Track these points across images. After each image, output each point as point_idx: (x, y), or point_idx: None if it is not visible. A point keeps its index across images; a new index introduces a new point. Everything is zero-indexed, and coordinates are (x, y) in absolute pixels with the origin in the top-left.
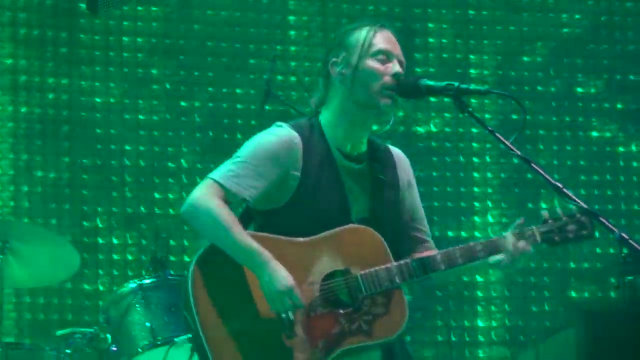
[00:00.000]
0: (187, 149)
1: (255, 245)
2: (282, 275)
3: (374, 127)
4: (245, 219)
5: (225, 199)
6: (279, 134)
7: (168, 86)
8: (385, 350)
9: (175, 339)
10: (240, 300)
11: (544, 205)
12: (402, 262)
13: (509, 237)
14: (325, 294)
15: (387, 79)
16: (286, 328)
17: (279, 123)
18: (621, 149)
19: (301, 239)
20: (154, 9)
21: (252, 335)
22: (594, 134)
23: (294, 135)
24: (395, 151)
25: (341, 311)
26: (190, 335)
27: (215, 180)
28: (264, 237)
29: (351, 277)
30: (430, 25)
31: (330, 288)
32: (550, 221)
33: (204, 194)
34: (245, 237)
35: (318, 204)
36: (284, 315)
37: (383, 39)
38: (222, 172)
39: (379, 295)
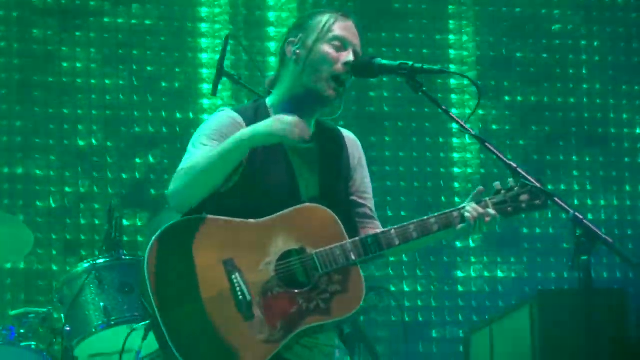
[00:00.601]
0: (140, 128)
1: (229, 139)
2: (276, 117)
3: (318, 115)
4: (197, 206)
5: None
6: (223, 116)
7: (136, 67)
8: (341, 330)
9: (134, 325)
10: (196, 282)
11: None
12: (356, 238)
13: (467, 208)
14: (282, 274)
15: (339, 66)
16: (243, 309)
17: (221, 108)
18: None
19: (255, 220)
20: None
21: (210, 316)
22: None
23: (237, 116)
24: (346, 132)
25: (298, 291)
26: (148, 321)
27: (179, 169)
28: (218, 220)
29: (307, 256)
30: (409, 5)
31: (287, 268)
32: (502, 192)
33: (175, 181)
34: (217, 148)
35: (267, 184)
36: (240, 297)
37: (342, 27)
38: (183, 162)
39: (336, 273)
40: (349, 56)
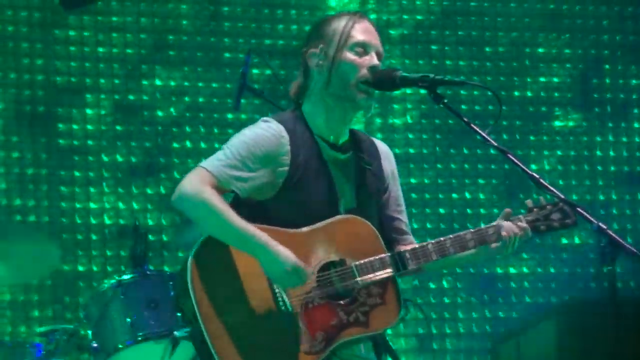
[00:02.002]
0: (164, 142)
1: (251, 228)
2: (285, 254)
3: (353, 121)
4: (237, 213)
5: (217, 187)
6: (267, 128)
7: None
8: (375, 343)
9: (175, 332)
10: (239, 292)
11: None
12: (395, 252)
13: (499, 224)
14: (322, 285)
15: (364, 72)
16: (285, 320)
17: (265, 118)
18: (587, 137)
19: (296, 230)
20: (127, 3)
21: (252, 327)
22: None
23: (281, 128)
24: (379, 143)
25: (338, 302)
26: (189, 329)
27: (205, 169)
28: (259, 228)
29: (347, 268)
30: (405, 17)
31: (327, 279)
32: (535, 210)
33: (195, 182)
34: (240, 221)
35: (307, 195)
36: (282, 307)
37: (361, 30)
38: (212, 161)
39: (374, 285)
40: (372, 60)
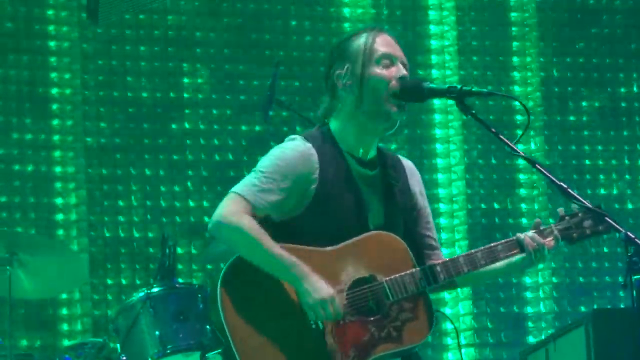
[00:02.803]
0: (193, 156)
1: (292, 258)
2: (322, 286)
3: (386, 134)
4: (264, 230)
5: (252, 214)
6: (295, 148)
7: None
8: (404, 357)
9: (208, 355)
10: (270, 310)
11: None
12: (425, 266)
13: (528, 235)
14: (353, 302)
15: (394, 83)
16: (317, 338)
17: (292, 136)
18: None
19: (325, 248)
20: (155, 17)
21: (284, 346)
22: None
23: (309, 146)
24: (406, 161)
25: (370, 318)
26: (220, 350)
27: (239, 195)
28: (291, 249)
29: (377, 284)
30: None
31: (358, 296)
32: (566, 218)
33: (231, 210)
34: (279, 250)
35: (336, 211)
36: (314, 326)
37: (384, 43)
38: (245, 186)
39: (405, 300)
40: (400, 71)
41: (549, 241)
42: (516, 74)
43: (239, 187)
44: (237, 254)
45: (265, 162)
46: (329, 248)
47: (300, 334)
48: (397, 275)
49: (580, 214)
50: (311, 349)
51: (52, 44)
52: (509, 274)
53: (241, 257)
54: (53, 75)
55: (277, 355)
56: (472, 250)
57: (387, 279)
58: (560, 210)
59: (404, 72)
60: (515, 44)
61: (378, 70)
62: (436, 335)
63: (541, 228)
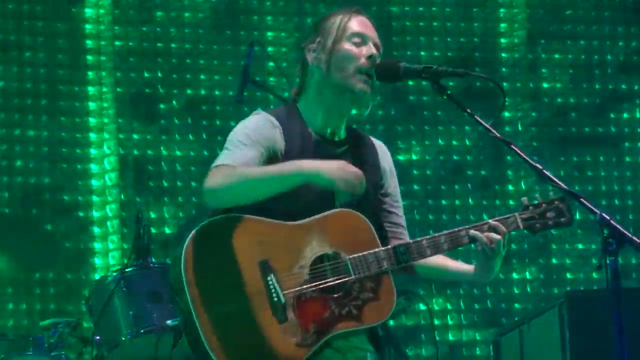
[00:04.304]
0: (166, 136)
1: (290, 161)
2: (337, 162)
3: (353, 112)
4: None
5: None
6: (259, 118)
7: (146, 74)
8: (370, 333)
9: (167, 321)
10: (231, 283)
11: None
12: (389, 246)
13: (472, 231)
14: (315, 279)
15: (363, 61)
16: (277, 311)
17: (256, 111)
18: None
19: (290, 223)
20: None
21: (244, 318)
22: None
23: (273, 119)
24: (376, 141)
25: (331, 295)
26: (179, 319)
27: (217, 165)
28: (255, 220)
29: (340, 261)
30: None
31: (320, 272)
32: (530, 207)
33: (215, 175)
34: (275, 166)
35: (301, 186)
36: (275, 299)
37: (358, 23)
38: (222, 157)
39: (368, 279)
40: (371, 50)
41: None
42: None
43: (215, 162)
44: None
45: (234, 134)
46: (293, 222)
47: (261, 307)
48: (360, 254)
49: (544, 205)
50: (272, 323)
51: None
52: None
53: (208, 225)
54: None
55: (237, 326)
56: (436, 234)
57: (351, 257)
58: (524, 200)
59: (373, 51)
60: None
61: (347, 47)
62: (410, 316)
63: (505, 216)
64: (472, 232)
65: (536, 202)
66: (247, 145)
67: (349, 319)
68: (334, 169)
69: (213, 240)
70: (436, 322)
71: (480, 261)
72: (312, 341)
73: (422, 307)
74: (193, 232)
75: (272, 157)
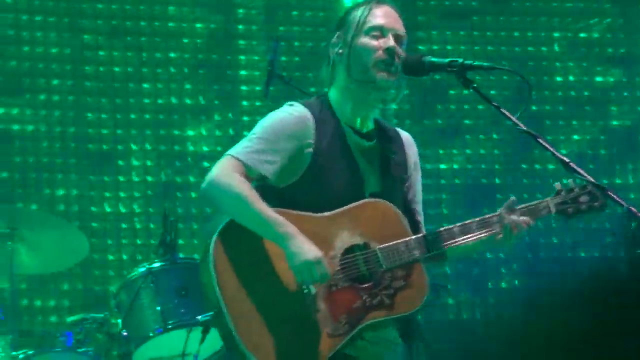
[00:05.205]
0: (194, 132)
1: (280, 218)
2: (309, 247)
3: (380, 105)
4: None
5: (245, 175)
6: (292, 111)
7: (172, 69)
8: (402, 327)
9: (198, 317)
10: (262, 275)
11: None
12: (420, 235)
13: (503, 213)
14: (346, 269)
15: (380, 53)
16: (309, 302)
17: (290, 102)
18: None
19: (320, 214)
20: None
21: (275, 310)
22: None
23: (306, 111)
24: (404, 133)
25: (362, 285)
26: (212, 313)
27: (233, 156)
28: (283, 212)
29: (371, 252)
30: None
31: (351, 263)
32: (562, 193)
33: (224, 170)
34: (268, 210)
35: (331, 178)
36: (306, 290)
37: (378, 15)
38: (239, 148)
39: (399, 269)
40: (388, 42)
41: (526, 220)
42: None
43: (232, 149)
44: (226, 213)
45: (260, 124)
46: (324, 214)
47: (292, 299)
48: (391, 244)
49: (576, 189)
50: (302, 314)
51: None
52: (485, 249)
53: (234, 221)
54: None
55: (268, 319)
56: (467, 221)
57: (381, 246)
58: (557, 185)
59: (392, 43)
60: None
61: (366, 40)
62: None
63: (536, 202)
64: (505, 216)
65: (568, 187)
66: (265, 144)
67: (381, 309)
68: (297, 261)
69: (242, 235)
70: (464, 316)
71: (501, 239)
72: (344, 331)
73: (450, 301)
74: (221, 227)
75: (295, 155)
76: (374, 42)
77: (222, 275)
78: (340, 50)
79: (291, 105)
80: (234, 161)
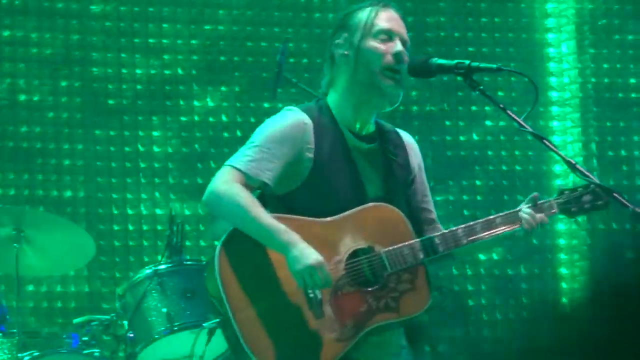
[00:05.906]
0: (201, 133)
1: (280, 225)
2: (310, 252)
3: (381, 110)
4: (262, 205)
5: (245, 184)
6: (290, 117)
7: (180, 72)
8: (408, 329)
9: (204, 324)
10: (268, 281)
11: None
12: (424, 237)
13: (525, 209)
14: (351, 273)
15: (389, 58)
16: (314, 307)
17: (288, 107)
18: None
19: (323, 220)
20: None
21: (281, 315)
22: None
23: (305, 116)
24: (404, 134)
25: (368, 289)
26: (218, 320)
27: (233, 167)
28: (286, 219)
29: (375, 255)
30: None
31: (356, 267)
32: (566, 192)
33: (224, 180)
34: (269, 218)
35: (332, 183)
36: (311, 295)
37: (385, 19)
38: (238, 158)
39: (404, 272)
40: (396, 46)
41: (542, 216)
42: None
43: (231, 159)
44: (229, 222)
45: (259, 132)
46: (327, 219)
47: (298, 304)
48: (395, 247)
49: (580, 189)
50: (309, 319)
51: None
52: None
53: (237, 229)
54: None
55: (275, 324)
56: (471, 222)
57: (386, 250)
58: (560, 186)
59: (400, 48)
60: None
61: (374, 44)
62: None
63: (539, 202)
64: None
65: (571, 187)
66: (266, 153)
67: (387, 311)
68: (298, 267)
69: (247, 242)
70: (471, 317)
71: (510, 237)
72: (350, 335)
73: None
74: (226, 234)
75: (296, 161)
76: (382, 46)
77: (229, 285)
78: (346, 52)
79: (289, 110)
80: (234, 171)
